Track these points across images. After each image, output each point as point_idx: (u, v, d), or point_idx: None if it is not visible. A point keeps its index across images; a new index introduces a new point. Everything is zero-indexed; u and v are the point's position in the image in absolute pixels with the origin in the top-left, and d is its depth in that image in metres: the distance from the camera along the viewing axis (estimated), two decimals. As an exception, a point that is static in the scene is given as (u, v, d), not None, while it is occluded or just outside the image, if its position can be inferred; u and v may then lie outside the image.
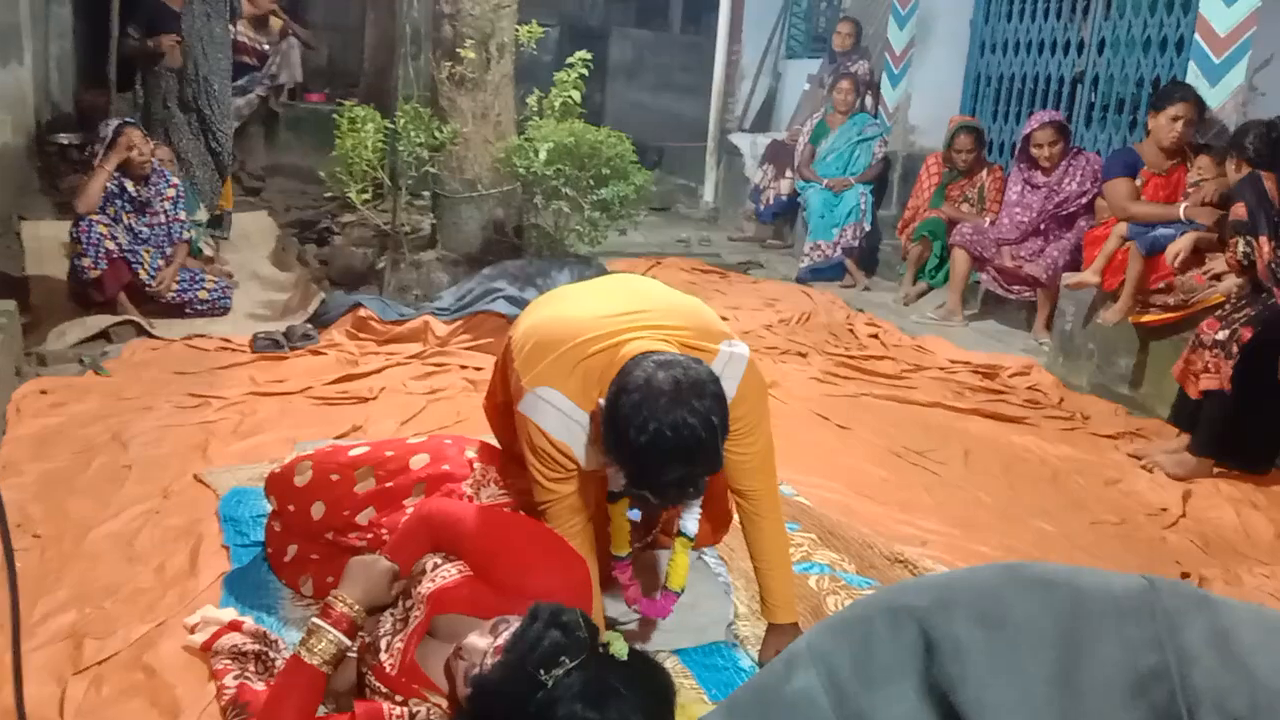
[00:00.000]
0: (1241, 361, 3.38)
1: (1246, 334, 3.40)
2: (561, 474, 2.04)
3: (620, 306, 2.07)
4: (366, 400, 3.92)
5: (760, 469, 2.17)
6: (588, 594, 1.99)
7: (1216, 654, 0.73)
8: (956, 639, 0.76)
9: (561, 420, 1.98)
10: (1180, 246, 4.10)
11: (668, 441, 1.78)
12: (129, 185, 4.96)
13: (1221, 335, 3.44)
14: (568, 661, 1.56)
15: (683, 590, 2.26)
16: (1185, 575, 2.89)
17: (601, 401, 1.91)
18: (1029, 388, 4.67)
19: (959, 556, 2.91)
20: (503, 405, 2.37)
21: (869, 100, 7.36)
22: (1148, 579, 0.79)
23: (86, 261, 4.72)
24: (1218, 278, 4.03)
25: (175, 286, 4.99)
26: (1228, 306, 3.71)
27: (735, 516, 2.50)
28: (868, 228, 6.83)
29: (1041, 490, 3.54)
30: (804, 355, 5.00)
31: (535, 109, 5.22)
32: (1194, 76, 4.76)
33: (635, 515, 2.23)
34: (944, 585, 0.83)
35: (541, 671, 1.55)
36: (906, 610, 0.79)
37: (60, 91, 8.47)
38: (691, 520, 2.21)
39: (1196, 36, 4.77)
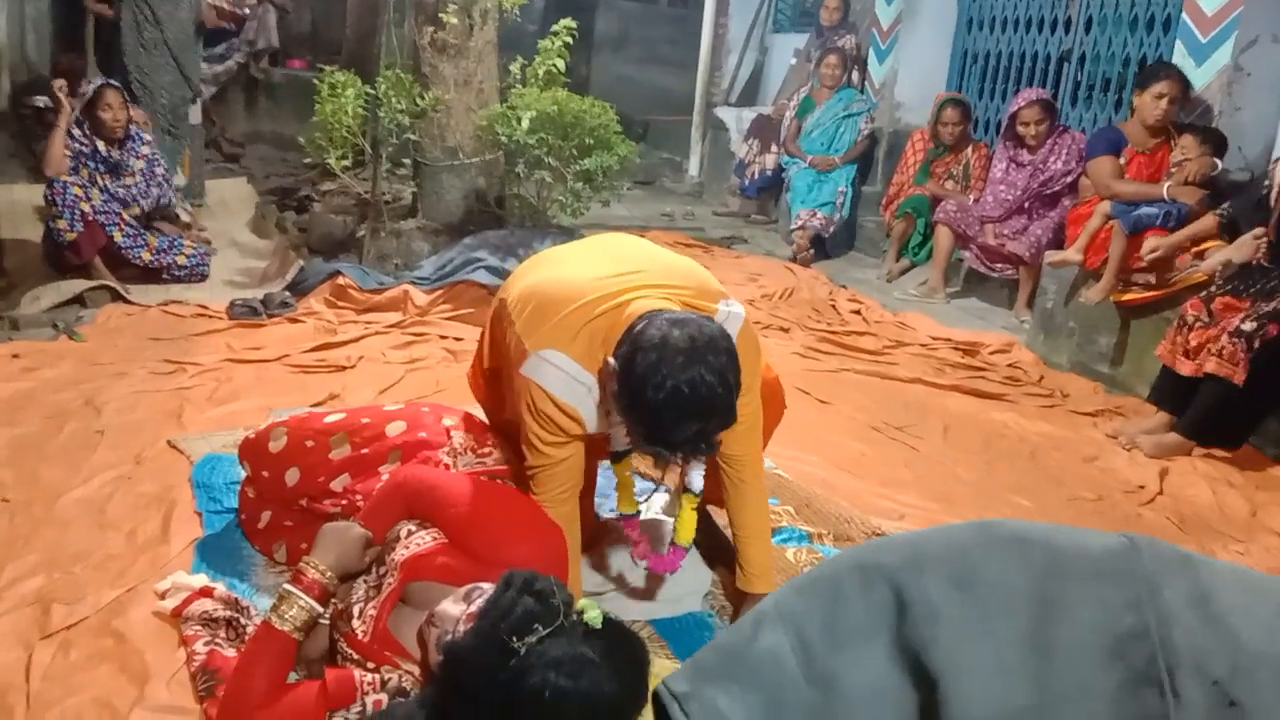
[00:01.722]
0: (1259, 354, 3.35)
1: (1274, 330, 3.36)
2: (560, 438, 2.02)
3: (618, 266, 2.05)
4: (344, 369, 3.88)
5: (748, 434, 2.16)
6: (563, 563, 1.97)
7: (1197, 615, 0.71)
8: (929, 599, 0.74)
9: (567, 382, 1.97)
10: (1158, 245, 4.08)
11: (684, 398, 1.78)
12: (101, 146, 4.88)
13: (1248, 326, 3.39)
14: (541, 629, 1.54)
15: (690, 546, 2.27)
16: (1160, 552, 2.90)
17: (610, 360, 1.89)
18: (1009, 365, 4.68)
19: (936, 531, 2.91)
20: (489, 372, 2.35)
21: (855, 75, 7.31)
22: (1128, 538, 0.76)
23: (62, 224, 4.66)
24: (1200, 257, 4.04)
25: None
26: (1214, 288, 3.71)
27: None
28: (842, 217, 6.78)
29: (1019, 466, 3.54)
30: (786, 330, 4.98)
31: (518, 77, 5.16)
32: (1180, 56, 4.74)
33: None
34: (916, 544, 0.81)
35: (514, 639, 1.53)
36: (878, 569, 0.77)
37: (36, 53, 8.32)
38: (698, 477, 2.21)
39: (1184, 16, 4.75)
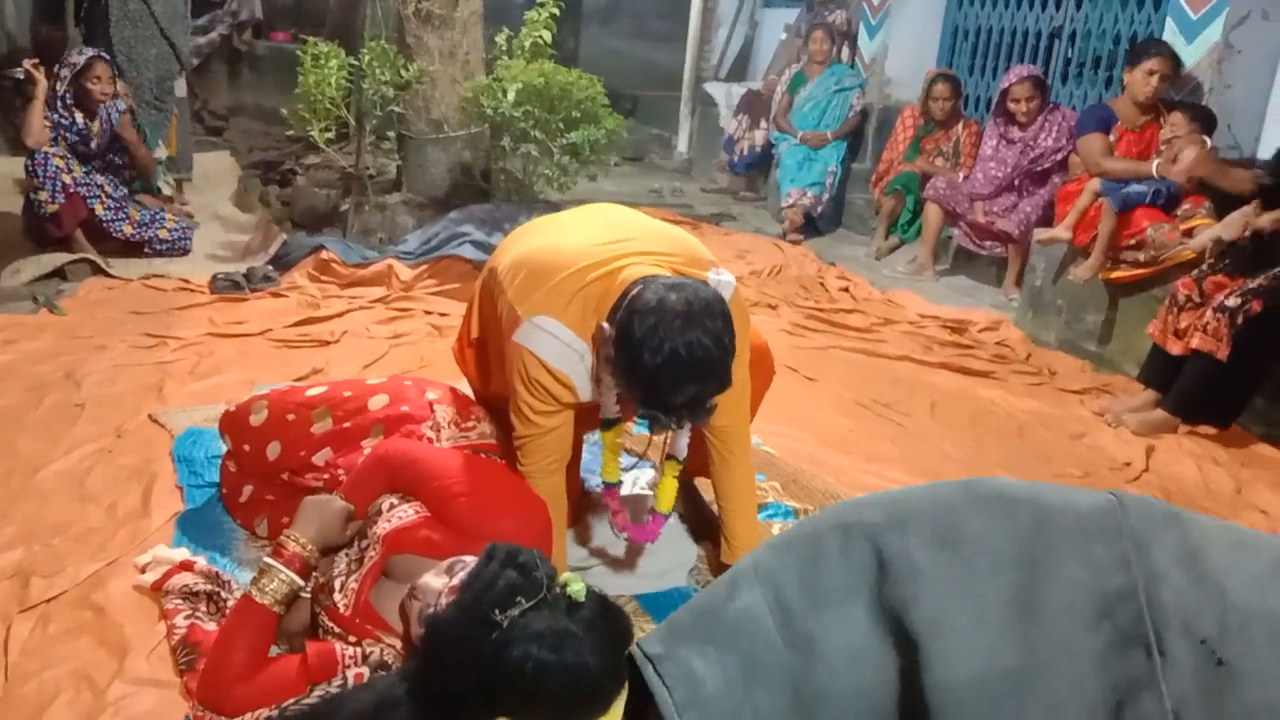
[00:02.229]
0: (1242, 330, 3.35)
1: (1257, 306, 3.35)
2: (552, 407, 2.01)
3: (610, 234, 2.05)
4: (328, 344, 3.85)
5: (736, 405, 2.15)
6: (547, 536, 1.96)
7: (1186, 572, 0.69)
8: (911, 558, 0.72)
9: (560, 349, 1.96)
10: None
11: (682, 361, 1.78)
12: (79, 117, 4.81)
13: (1232, 302, 3.37)
14: (524, 602, 1.53)
15: (670, 514, 2.28)
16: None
17: (605, 325, 1.88)
18: (997, 343, 4.67)
19: (923, 507, 2.90)
20: (476, 343, 2.33)
21: (846, 51, 7.26)
22: (1115, 495, 0.74)
23: (44, 195, 4.60)
24: (1189, 234, 4.03)
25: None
26: (1205, 266, 3.70)
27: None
28: (830, 196, 6.75)
29: (1007, 443, 3.54)
30: (774, 307, 4.96)
31: (504, 49, 5.10)
32: (1171, 33, 4.72)
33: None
34: (898, 501, 0.78)
35: (496, 612, 1.51)
36: (859, 527, 0.75)
37: (16, 24, 8.19)
38: (682, 444, 2.21)
39: (1175, -9, 4.73)
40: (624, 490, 2.70)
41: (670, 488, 2.25)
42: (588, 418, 2.18)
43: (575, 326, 1.96)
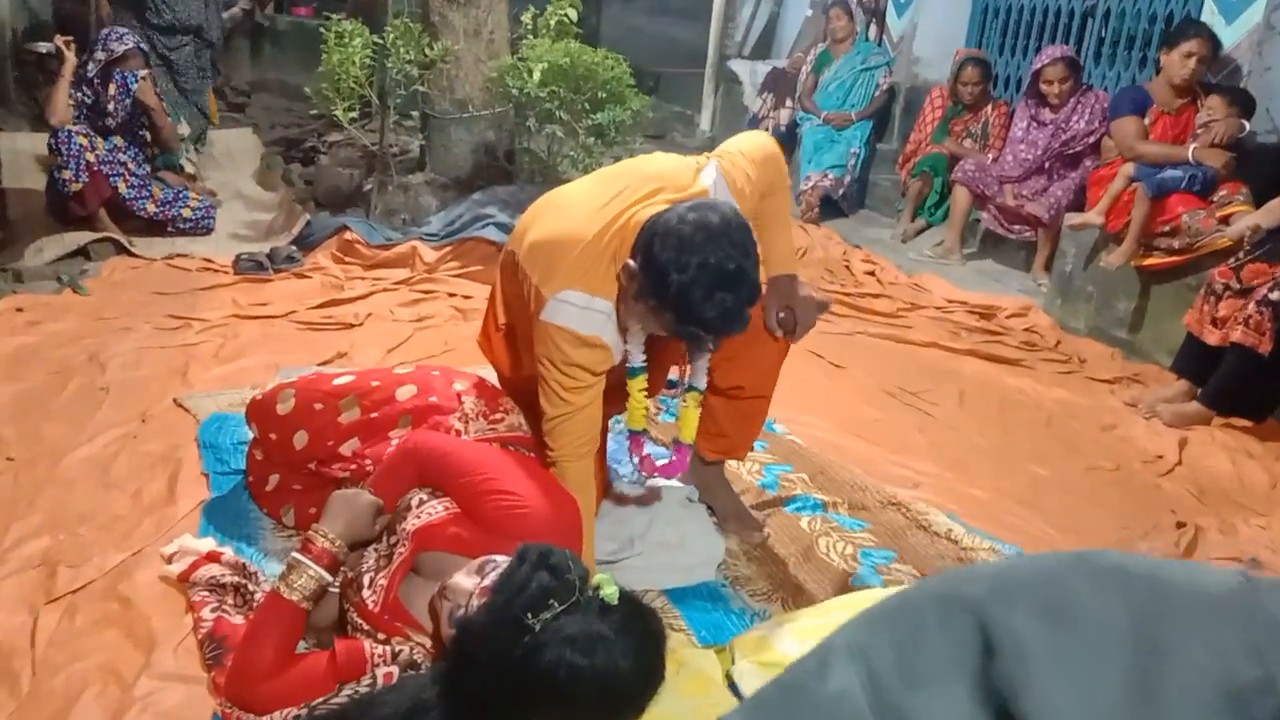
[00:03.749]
0: None
1: None
2: (583, 382, 2.02)
3: (607, 193, 2.07)
4: (352, 326, 3.83)
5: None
6: (578, 534, 1.93)
7: None
8: (1018, 636, 0.66)
9: (584, 314, 1.98)
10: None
11: (711, 273, 1.84)
12: (102, 98, 4.79)
13: (1275, 295, 3.29)
14: (556, 605, 1.50)
15: (692, 444, 2.33)
16: (1181, 524, 2.85)
17: (629, 263, 1.92)
18: (1026, 329, 4.61)
19: (951, 499, 2.87)
20: (505, 328, 2.30)
21: (873, 29, 7.15)
22: (1245, 575, 0.69)
23: (67, 174, 4.59)
24: (1226, 221, 3.95)
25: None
26: (1242, 254, 3.62)
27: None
28: (853, 178, 6.67)
29: (1036, 434, 3.49)
30: (799, 291, 4.90)
31: (530, 27, 5.04)
32: (1209, 14, 4.61)
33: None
34: (1003, 574, 0.73)
35: (529, 615, 1.49)
36: (960, 600, 0.70)
37: (40, -1, 8.17)
38: (701, 375, 2.25)
39: (1215, -29, 4.62)
40: (651, 482, 2.69)
41: (692, 418, 2.27)
42: (613, 395, 2.18)
43: (599, 290, 1.99)
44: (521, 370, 2.31)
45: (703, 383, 2.26)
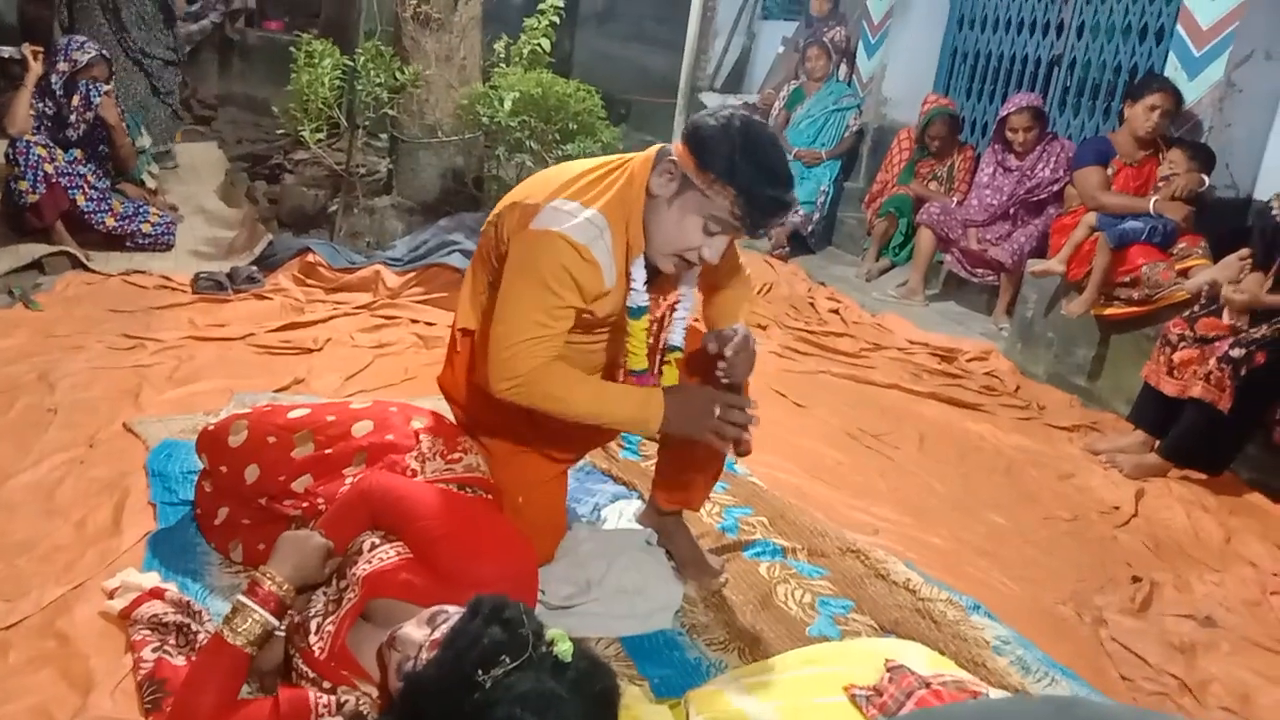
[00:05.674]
0: (1244, 381, 3.31)
1: (1261, 358, 3.31)
2: (564, 301, 1.97)
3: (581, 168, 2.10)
4: (311, 351, 3.77)
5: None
6: (533, 585, 1.90)
7: None
8: None
9: (582, 224, 1.95)
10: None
11: (778, 161, 1.95)
12: (64, 109, 4.71)
13: (1236, 353, 3.34)
14: (508, 661, 1.46)
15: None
16: (1136, 579, 2.87)
17: (673, 160, 1.96)
18: (986, 373, 4.64)
19: (911, 547, 2.86)
20: (473, 339, 2.23)
21: (844, 69, 7.22)
22: None
23: (24, 185, 4.49)
24: (1184, 274, 4.00)
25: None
26: (1197, 308, 3.68)
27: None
28: (821, 215, 6.71)
29: (995, 481, 3.50)
30: (764, 328, 4.91)
31: (502, 55, 5.03)
32: (1172, 69, 4.70)
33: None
34: (988, 718, 0.71)
35: (480, 671, 1.45)
36: None
37: (4, 2, 8.05)
38: (679, 333, 2.22)
39: (1178, 27, 4.70)
40: (610, 524, 2.66)
41: (672, 375, 2.22)
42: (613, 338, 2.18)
43: (593, 205, 1.98)
44: (477, 399, 2.25)
45: (680, 340, 2.22)
